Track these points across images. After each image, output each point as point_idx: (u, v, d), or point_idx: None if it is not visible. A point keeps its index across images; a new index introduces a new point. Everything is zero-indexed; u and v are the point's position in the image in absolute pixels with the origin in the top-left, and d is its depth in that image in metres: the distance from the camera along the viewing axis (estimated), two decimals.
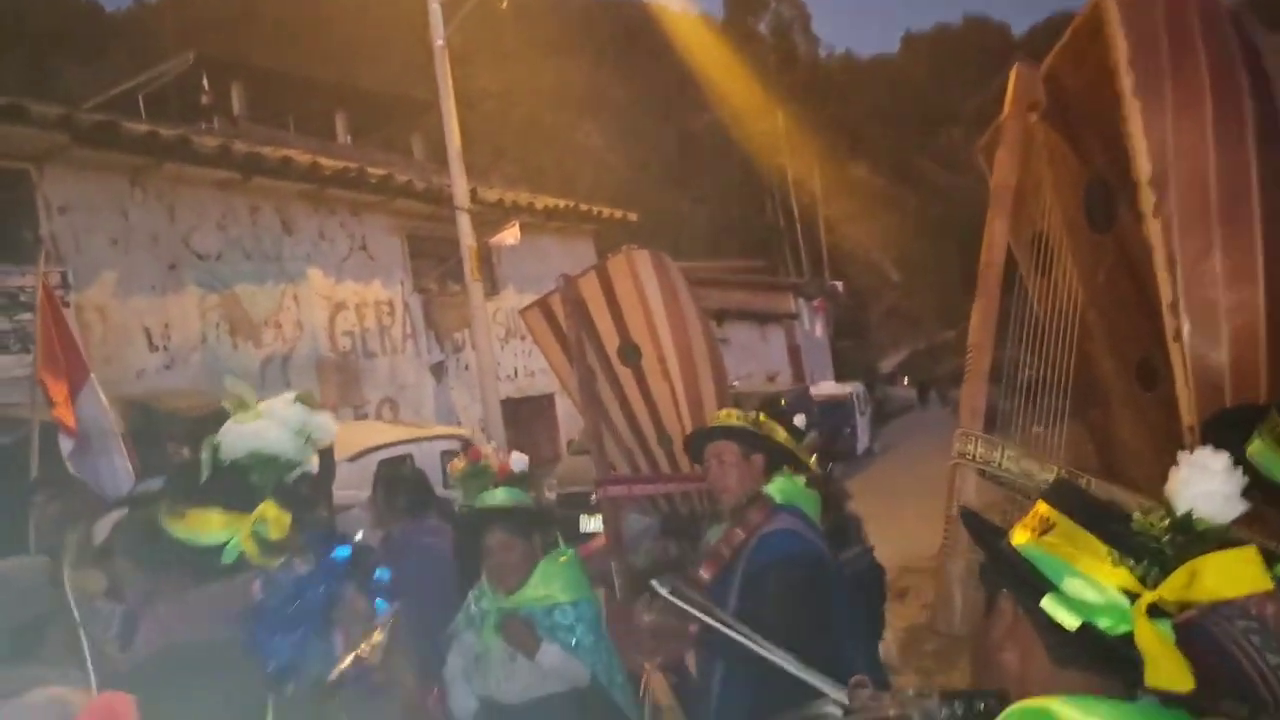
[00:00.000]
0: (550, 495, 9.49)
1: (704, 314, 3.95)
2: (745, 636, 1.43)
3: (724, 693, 2.53)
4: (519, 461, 4.52)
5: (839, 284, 26.16)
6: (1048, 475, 2.36)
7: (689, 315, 3.67)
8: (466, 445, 5.61)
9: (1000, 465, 2.41)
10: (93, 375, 4.92)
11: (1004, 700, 1.16)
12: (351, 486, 6.87)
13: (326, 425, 2.00)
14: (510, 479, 4.11)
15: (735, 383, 14.37)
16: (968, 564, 2.39)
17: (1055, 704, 1.07)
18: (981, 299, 2.50)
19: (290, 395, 1.99)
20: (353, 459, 7.38)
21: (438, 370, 11.34)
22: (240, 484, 1.89)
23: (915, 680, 5.47)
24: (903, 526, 10.41)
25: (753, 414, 2.78)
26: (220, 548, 1.84)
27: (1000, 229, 2.58)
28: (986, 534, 1.24)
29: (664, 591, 1.48)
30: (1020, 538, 1.18)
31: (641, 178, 19.76)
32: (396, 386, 10.76)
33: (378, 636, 2.03)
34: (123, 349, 7.98)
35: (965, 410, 2.50)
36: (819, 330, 24.38)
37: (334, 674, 1.92)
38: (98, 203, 8.12)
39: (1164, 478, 1.19)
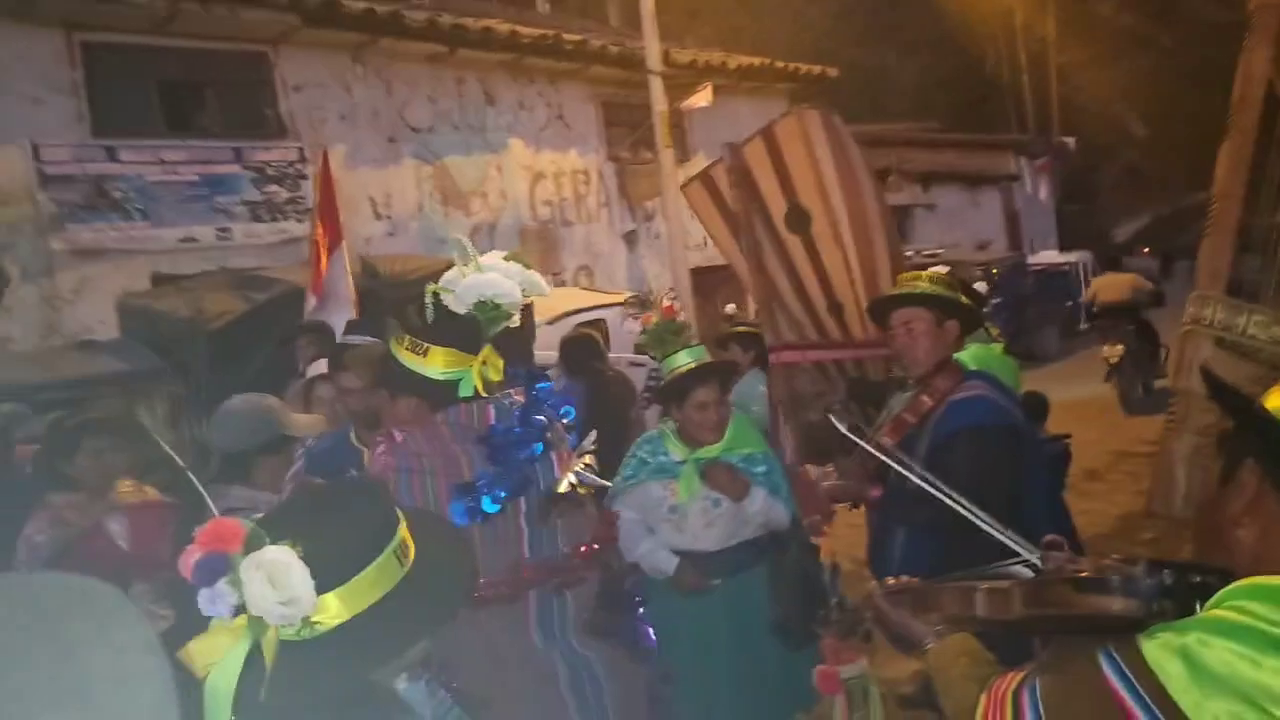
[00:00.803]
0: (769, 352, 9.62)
1: (876, 178, 3.78)
2: (941, 490, 1.39)
3: (905, 558, 2.51)
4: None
5: (1070, 140, 23.32)
6: None
7: (862, 178, 3.52)
8: (644, 302, 5.72)
9: (1245, 332, 2.10)
10: (344, 242, 5.44)
11: (1226, 579, 1.05)
12: (550, 348, 7.35)
13: (538, 280, 2.22)
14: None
15: (940, 250, 13.53)
16: (1195, 442, 2.16)
17: None
18: (1232, 140, 2.12)
19: (500, 254, 2.20)
20: (551, 322, 7.83)
21: (630, 239, 11.57)
22: (467, 328, 2.15)
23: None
24: (1116, 413, 9.58)
25: (944, 276, 2.63)
26: (447, 382, 2.11)
27: (1260, 59, 2.16)
28: (1232, 395, 1.10)
29: (843, 428, 1.44)
30: (1276, 401, 1.03)
31: (844, 29, 18.31)
32: (591, 254, 11.12)
33: (588, 458, 2.29)
34: (352, 218, 8.77)
35: (1204, 271, 2.19)
36: (1043, 193, 22.07)
37: (564, 485, 2.19)
38: (326, 80, 8.79)
39: None
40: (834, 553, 2.78)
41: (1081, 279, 15.86)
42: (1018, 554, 1.32)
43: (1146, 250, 20.53)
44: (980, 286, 2.91)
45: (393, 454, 2.13)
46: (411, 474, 2.10)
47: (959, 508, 1.35)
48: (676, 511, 2.77)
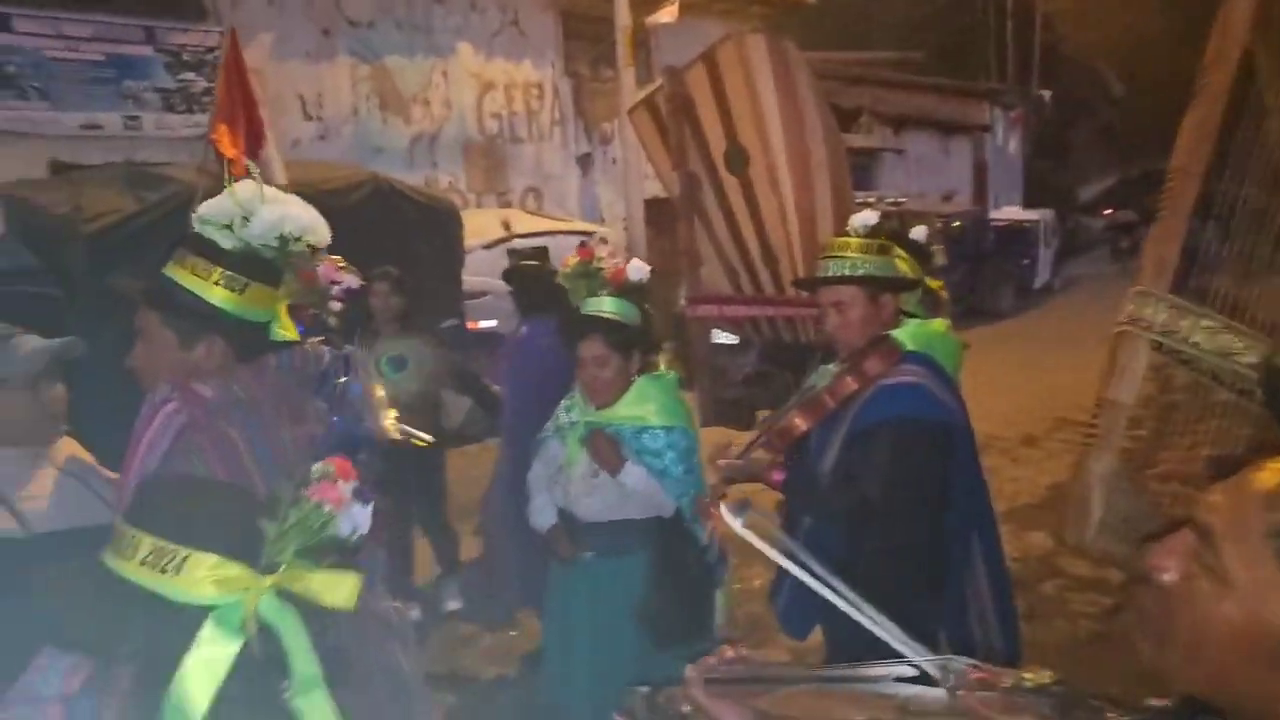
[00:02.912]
0: (684, 303, 9.31)
1: (830, 116, 3.40)
2: (828, 586, 1.04)
3: (808, 548, 2.30)
4: (637, 270, 4.16)
5: (1046, 94, 22.92)
6: (1252, 356, 1.78)
7: (810, 116, 3.15)
8: (583, 243, 5.34)
9: (1188, 339, 1.81)
10: (270, 140, 4.80)
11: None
12: (485, 273, 6.92)
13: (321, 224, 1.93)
14: (624, 287, 3.85)
15: (904, 200, 13.21)
16: (1114, 464, 1.90)
17: None
18: (1199, 106, 1.80)
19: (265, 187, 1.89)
20: (488, 246, 7.39)
21: (584, 162, 11.03)
22: (271, 266, 1.86)
23: None
24: (1062, 377, 9.55)
25: (876, 240, 2.30)
26: (257, 325, 1.86)
27: (1241, 11, 1.83)
28: None
29: (737, 526, 1.08)
30: None
31: None
32: (541, 176, 10.59)
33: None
34: (279, 117, 8.13)
35: (1150, 260, 1.89)
36: (1013, 146, 21.77)
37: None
38: None
39: None
40: (721, 535, 2.53)
41: (1041, 238, 15.75)
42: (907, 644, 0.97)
43: (1109, 211, 20.50)
44: (919, 233, 2.56)
45: (195, 410, 1.81)
46: (260, 427, 1.86)
47: (859, 616, 0.99)
48: (563, 472, 2.59)
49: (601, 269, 3.92)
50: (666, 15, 9.40)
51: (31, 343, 2.06)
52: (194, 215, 1.82)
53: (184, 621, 1.04)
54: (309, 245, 1.84)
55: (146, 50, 7.39)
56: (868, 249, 2.24)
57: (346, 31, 8.71)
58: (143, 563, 1.04)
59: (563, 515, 2.59)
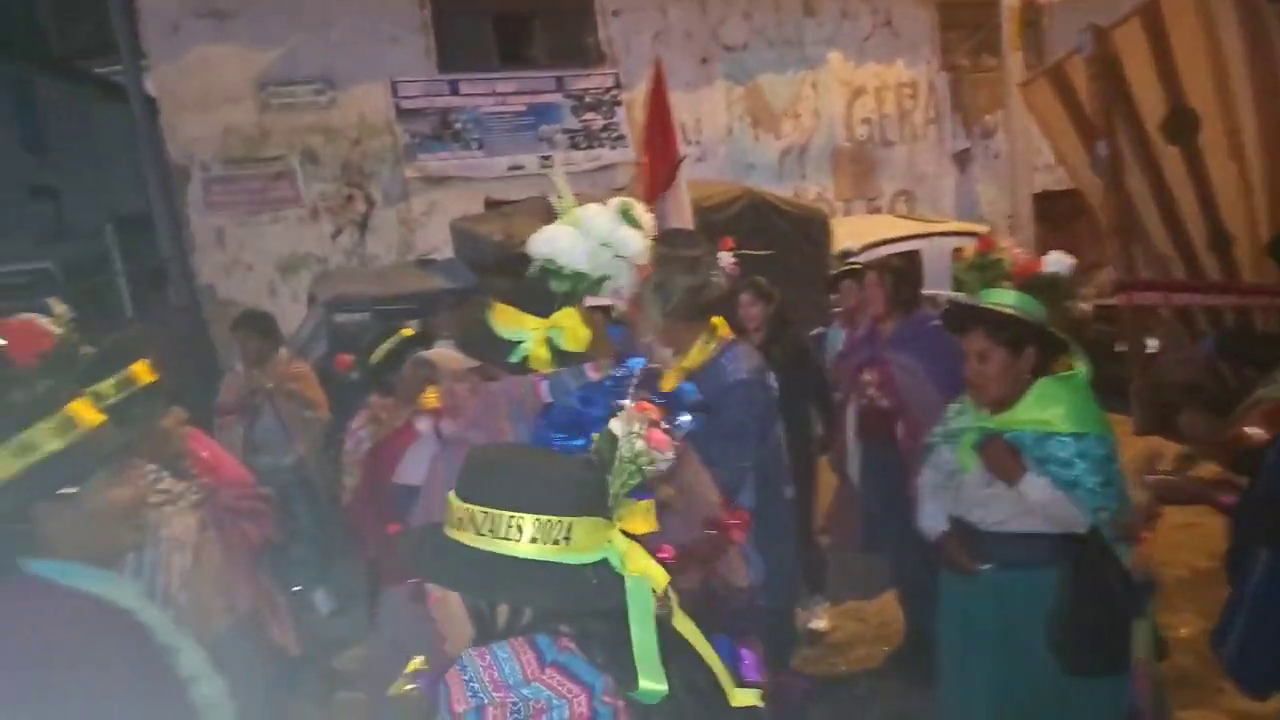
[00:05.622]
0: (1085, 306, 8.19)
1: None
2: None
3: (1263, 589, 1.95)
4: (1056, 262, 3.60)
5: None
6: None
7: None
8: (984, 235, 4.92)
9: None
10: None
11: None
12: None
13: (633, 241, 1.80)
14: (1032, 282, 3.42)
15: None
16: None
17: None
18: None
19: (615, 202, 1.82)
20: (859, 252, 7.24)
21: (961, 159, 10.31)
22: (538, 288, 1.81)
23: None
24: None
25: None
26: (510, 344, 1.81)
27: None
28: None
29: None
30: None
31: None
32: (914, 177, 10.12)
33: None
34: None
35: None
36: None
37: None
38: (643, 3, 8.79)
39: None
40: (1150, 561, 2.17)
41: None
42: None
43: None
44: None
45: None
46: (456, 446, 1.81)
47: None
48: (954, 479, 2.42)
49: (1000, 260, 3.57)
50: None
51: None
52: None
53: (580, 577, 1.13)
54: (576, 274, 1.76)
55: (557, 97, 8.49)
56: None
57: (722, 57, 9.16)
58: (532, 540, 1.12)
59: (958, 523, 2.41)
